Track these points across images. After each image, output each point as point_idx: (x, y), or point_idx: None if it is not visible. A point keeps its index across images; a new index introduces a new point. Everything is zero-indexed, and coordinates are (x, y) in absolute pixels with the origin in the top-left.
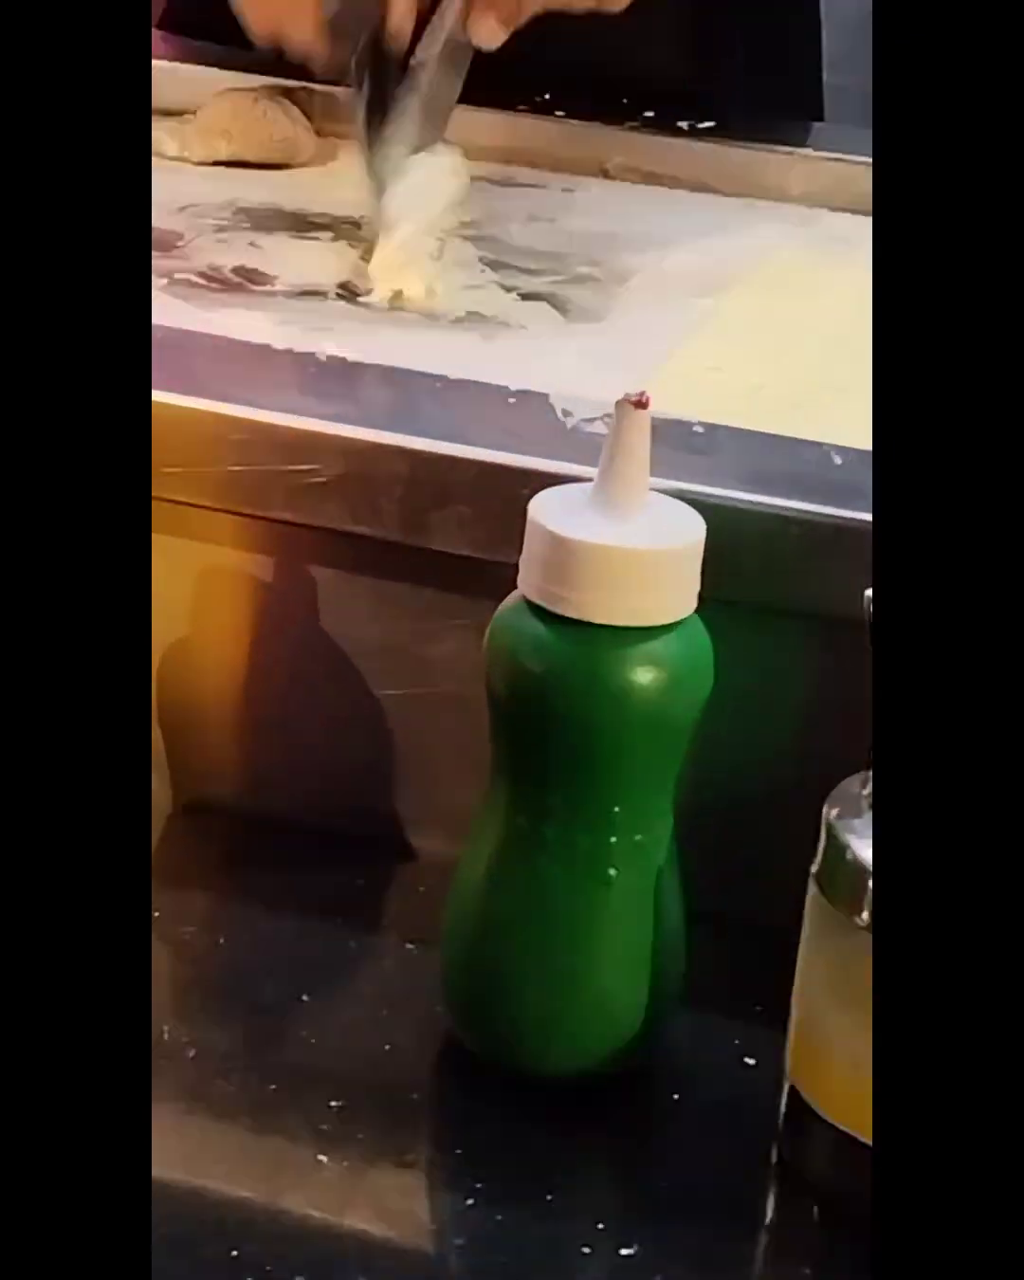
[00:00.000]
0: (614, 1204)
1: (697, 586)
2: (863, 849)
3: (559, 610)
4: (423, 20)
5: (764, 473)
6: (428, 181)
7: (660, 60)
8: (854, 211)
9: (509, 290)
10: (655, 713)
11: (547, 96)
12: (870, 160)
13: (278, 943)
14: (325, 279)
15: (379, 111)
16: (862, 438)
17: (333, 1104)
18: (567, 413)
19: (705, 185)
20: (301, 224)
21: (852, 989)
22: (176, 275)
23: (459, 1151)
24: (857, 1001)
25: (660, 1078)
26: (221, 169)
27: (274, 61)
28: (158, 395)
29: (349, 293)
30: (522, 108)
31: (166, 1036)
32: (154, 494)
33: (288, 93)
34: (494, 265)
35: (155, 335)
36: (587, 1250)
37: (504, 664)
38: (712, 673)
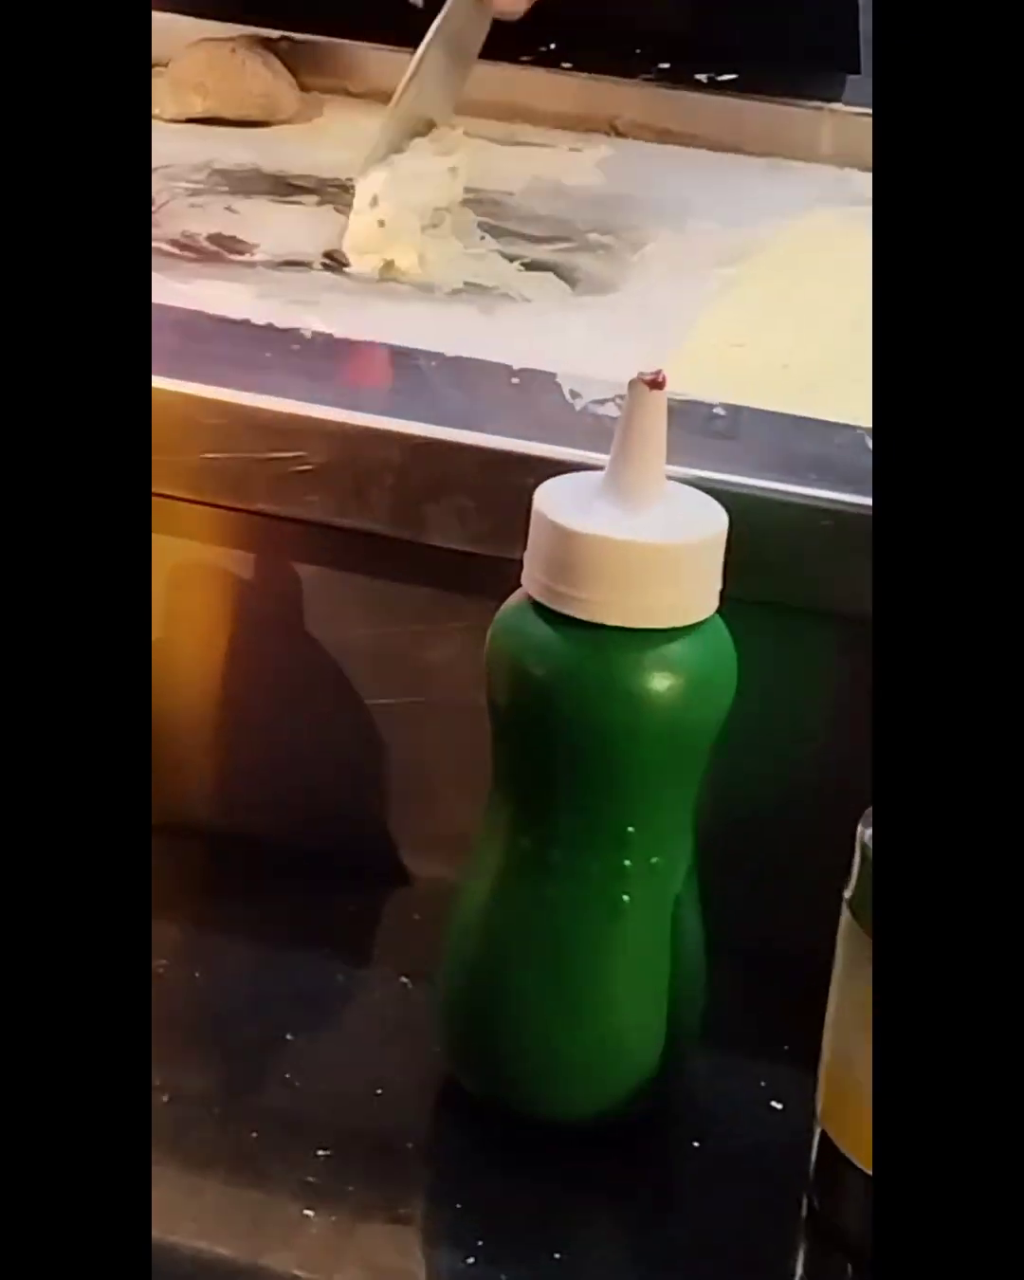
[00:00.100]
0: (628, 1263)
1: (718, 584)
2: None
3: (567, 611)
4: None
5: (792, 459)
6: (420, 175)
7: (677, 6)
8: None
9: (511, 259)
10: (673, 723)
11: (552, 46)
12: None
13: (258, 977)
14: (309, 247)
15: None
16: None
17: (320, 1153)
18: (575, 394)
19: (727, 144)
20: (283, 187)
21: None
22: None
23: (458, 1205)
24: None
25: (678, 1123)
26: (196, 126)
27: (252, 9)
28: None
29: (335, 263)
30: (524, 59)
31: None
32: None
33: (268, 43)
34: (495, 232)
35: None
36: None
37: (507, 670)
38: (735, 679)
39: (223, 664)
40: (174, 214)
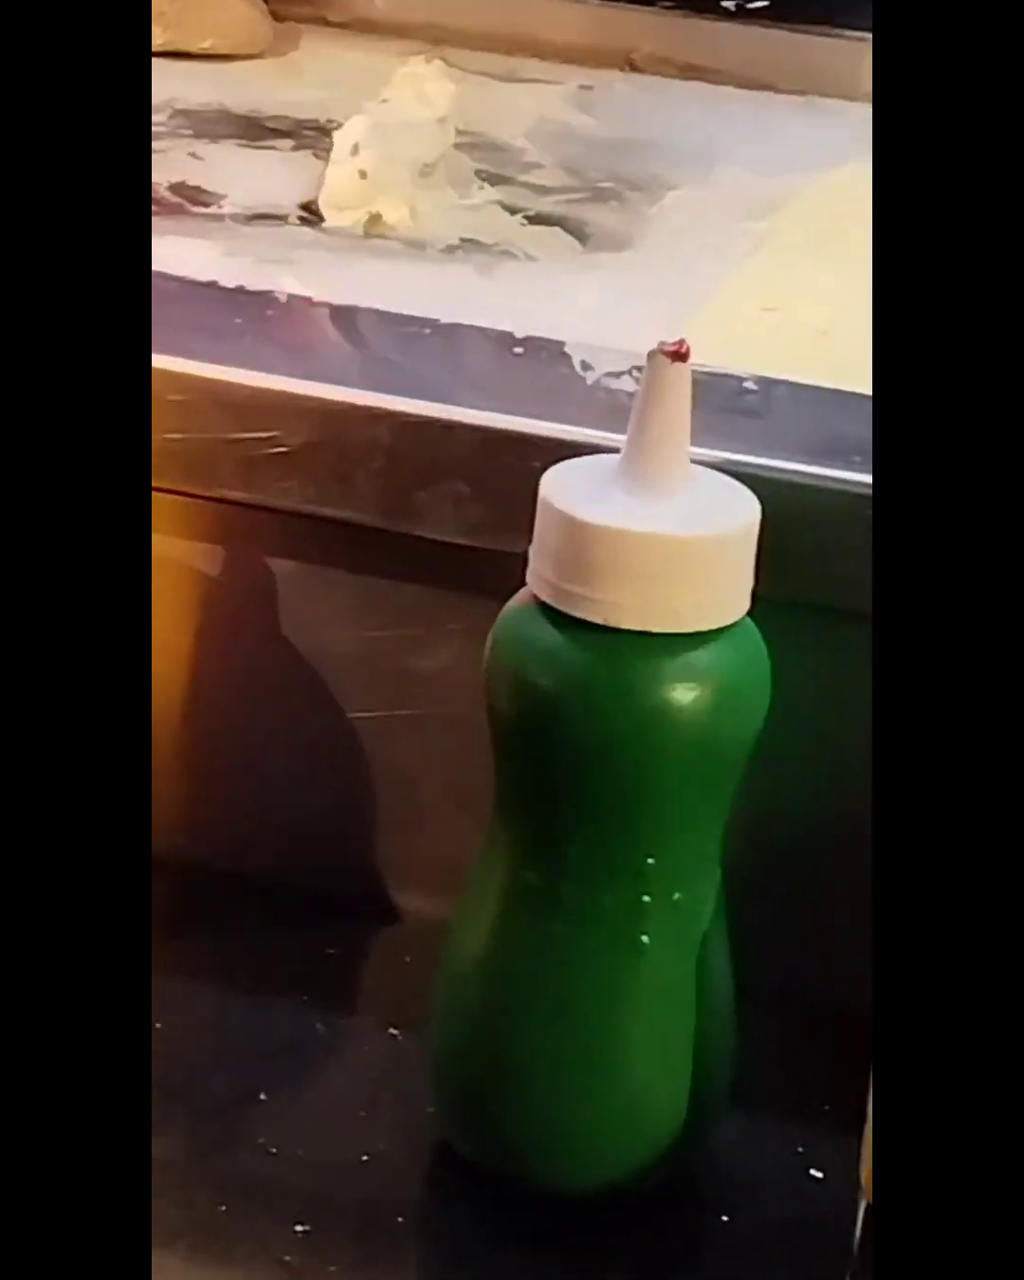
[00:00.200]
0: None
1: (750, 583)
2: None
3: (578, 612)
4: None
5: (832, 440)
6: (407, 125)
7: None
8: None
9: (513, 211)
10: (699, 740)
11: None
12: None
13: (229, 1027)
14: (284, 199)
15: None
16: None
17: (298, 1228)
18: (586, 365)
19: (756, 80)
20: (255, 130)
21: None
22: None
23: None
24: None
25: (705, 1195)
26: (156, 61)
27: None
28: None
29: (313, 216)
30: None
31: None
32: None
33: None
34: (494, 180)
35: None
36: None
37: (509, 679)
38: (768, 690)
39: (187, 672)
40: None
